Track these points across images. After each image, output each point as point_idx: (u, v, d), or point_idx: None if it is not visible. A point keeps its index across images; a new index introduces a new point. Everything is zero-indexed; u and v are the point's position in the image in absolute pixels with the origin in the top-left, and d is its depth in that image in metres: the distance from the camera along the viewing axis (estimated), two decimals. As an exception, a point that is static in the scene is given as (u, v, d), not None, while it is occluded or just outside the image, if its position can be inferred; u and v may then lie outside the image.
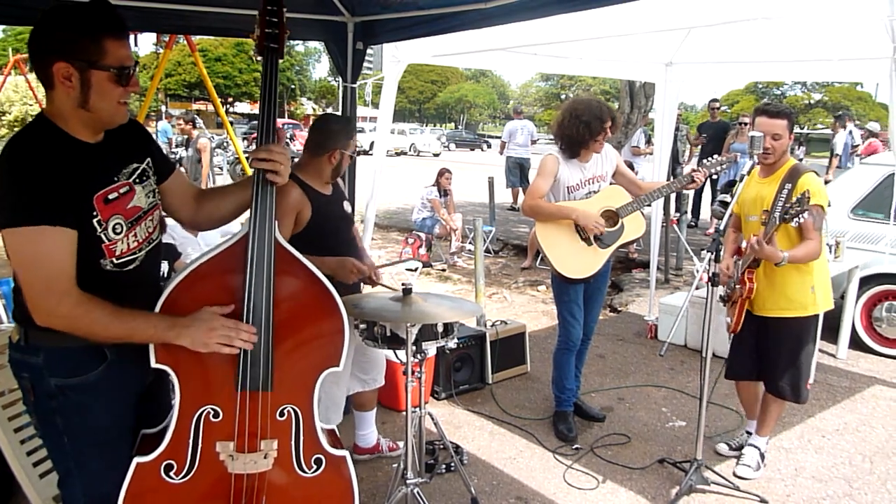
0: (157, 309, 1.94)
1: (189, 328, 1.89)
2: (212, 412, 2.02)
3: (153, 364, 1.95)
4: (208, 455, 2.02)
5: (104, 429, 2.00)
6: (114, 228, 1.91)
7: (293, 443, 2.11)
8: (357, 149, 3.15)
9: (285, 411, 2.09)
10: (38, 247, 1.75)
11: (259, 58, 2.07)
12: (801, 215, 3.12)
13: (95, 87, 1.81)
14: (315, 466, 2.13)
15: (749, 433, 3.93)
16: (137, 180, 2.01)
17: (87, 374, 1.94)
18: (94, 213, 1.86)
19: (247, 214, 2.09)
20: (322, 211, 3.08)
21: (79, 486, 2.02)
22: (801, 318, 3.54)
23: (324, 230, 3.09)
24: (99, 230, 1.88)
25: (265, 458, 2.05)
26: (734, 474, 3.68)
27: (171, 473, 2.01)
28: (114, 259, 1.93)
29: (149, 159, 2.08)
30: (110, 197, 1.91)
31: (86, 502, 2.03)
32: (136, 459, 1.99)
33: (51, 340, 1.87)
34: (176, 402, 2.00)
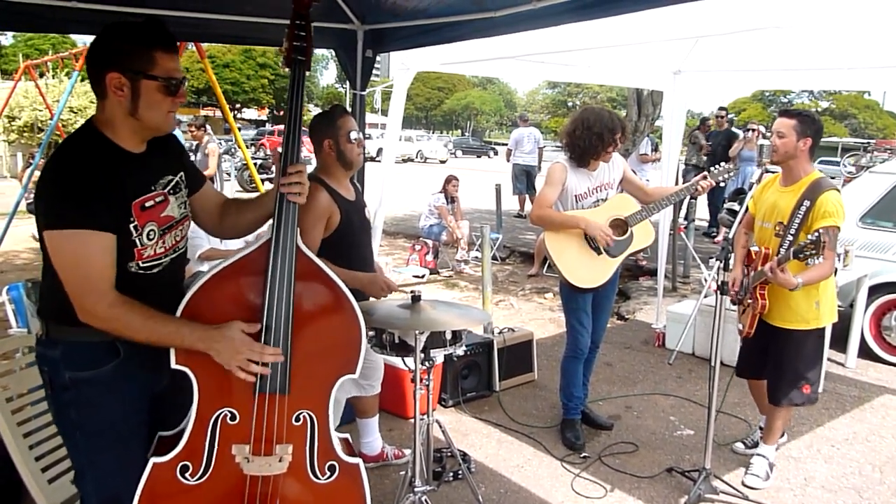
0: (180, 310, 1.99)
1: (218, 344, 1.94)
2: (229, 415, 2.04)
3: (172, 365, 1.99)
4: (224, 457, 2.04)
5: (115, 425, 2.05)
6: (148, 235, 2.01)
7: (308, 448, 2.12)
8: (355, 133, 3.13)
9: (301, 416, 2.11)
10: (79, 249, 1.85)
11: (287, 69, 2.15)
12: (813, 258, 3.11)
13: (145, 97, 1.93)
14: (329, 473, 2.14)
15: (762, 428, 3.95)
16: (172, 191, 2.11)
17: (100, 369, 2.00)
18: (132, 219, 1.96)
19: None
20: (348, 215, 3.11)
21: (91, 483, 2.07)
22: (803, 331, 3.54)
23: (348, 235, 3.12)
24: (134, 234, 1.97)
25: (280, 461, 2.06)
26: (743, 484, 3.67)
27: (187, 474, 2.03)
28: (140, 262, 2.01)
29: (182, 173, 2.18)
30: (147, 205, 2.01)
31: (98, 500, 2.07)
32: (153, 460, 2.02)
33: (68, 334, 1.97)
34: (194, 403, 2.02)
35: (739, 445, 4.07)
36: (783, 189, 3.57)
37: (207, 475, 2.04)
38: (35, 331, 2.13)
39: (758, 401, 4.01)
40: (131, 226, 1.95)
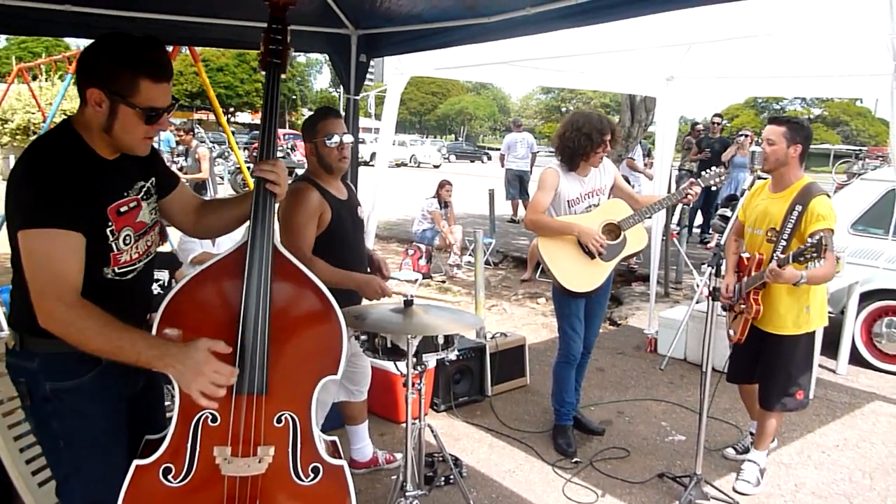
0: (159, 315, 1.97)
1: (179, 364, 1.85)
2: (210, 416, 2.03)
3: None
4: (206, 459, 2.04)
5: (99, 432, 2.04)
6: (124, 240, 1.99)
7: (290, 450, 2.11)
8: (336, 137, 3.08)
9: (283, 418, 2.10)
10: (46, 248, 1.81)
11: (262, 72, 2.13)
12: (815, 261, 3.12)
13: (121, 120, 1.89)
14: (312, 475, 2.13)
15: (753, 434, 3.97)
16: (144, 197, 2.10)
17: (81, 378, 1.98)
18: (109, 224, 1.94)
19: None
20: (339, 213, 3.12)
21: (77, 490, 2.05)
22: (794, 335, 3.56)
23: (339, 233, 3.13)
24: (111, 239, 1.95)
25: (260, 462, 2.05)
26: (734, 489, 3.68)
27: (170, 477, 2.02)
28: (116, 268, 1.99)
29: (153, 178, 2.16)
30: (122, 210, 1.98)
31: None
32: (136, 462, 2.01)
33: (45, 346, 1.92)
34: (175, 405, 2.02)
35: (730, 451, 4.08)
36: (773, 195, 3.59)
37: (190, 477, 2.03)
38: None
39: (749, 406, 4.02)
40: (108, 230, 1.93)
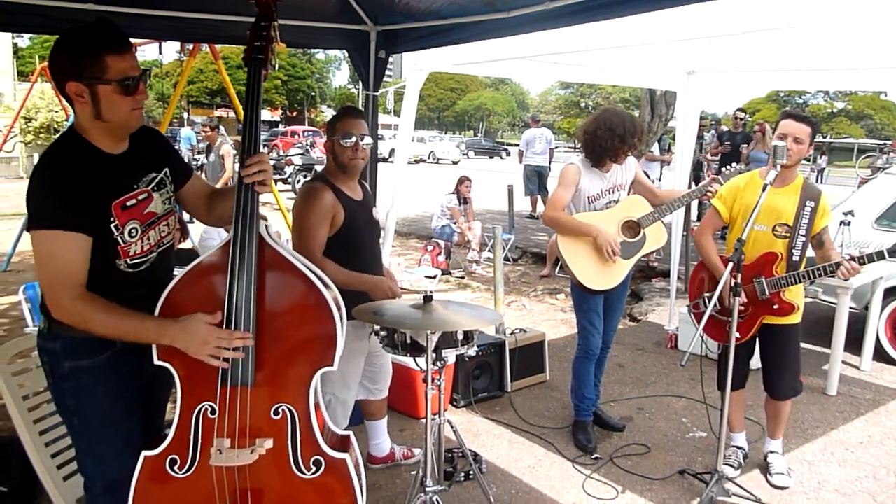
0: (158, 308, 2.07)
1: (182, 336, 2.01)
2: (209, 408, 2.08)
3: (155, 361, 2.07)
4: (207, 451, 2.08)
5: (110, 410, 2.15)
6: (129, 232, 2.10)
7: (290, 443, 2.12)
8: (352, 136, 3.08)
9: (280, 410, 2.11)
10: (52, 248, 1.96)
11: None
12: None
13: (104, 100, 2.00)
14: (314, 468, 2.13)
15: (738, 448, 3.91)
16: (156, 188, 2.21)
17: (96, 358, 2.11)
18: (112, 219, 2.05)
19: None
20: (353, 214, 3.12)
21: (92, 469, 2.20)
22: (796, 323, 3.64)
23: (352, 234, 3.13)
24: (116, 234, 2.07)
25: (251, 453, 2.07)
26: (771, 485, 3.67)
27: (175, 468, 2.08)
28: (128, 260, 2.11)
29: (167, 169, 2.28)
30: (128, 203, 2.10)
31: (102, 486, 2.19)
32: (144, 453, 2.09)
33: (67, 330, 2.06)
34: (178, 398, 2.08)
35: (730, 470, 3.77)
36: (777, 190, 3.53)
37: (194, 468, 2.08)
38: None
39: (734, 417, 3.89)
40: (112, 225, 2.05)
